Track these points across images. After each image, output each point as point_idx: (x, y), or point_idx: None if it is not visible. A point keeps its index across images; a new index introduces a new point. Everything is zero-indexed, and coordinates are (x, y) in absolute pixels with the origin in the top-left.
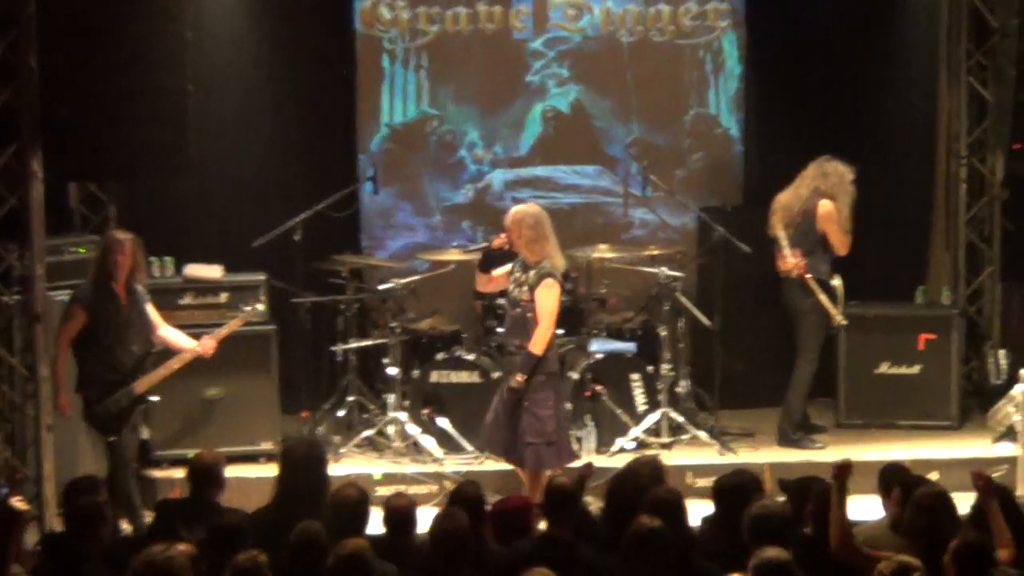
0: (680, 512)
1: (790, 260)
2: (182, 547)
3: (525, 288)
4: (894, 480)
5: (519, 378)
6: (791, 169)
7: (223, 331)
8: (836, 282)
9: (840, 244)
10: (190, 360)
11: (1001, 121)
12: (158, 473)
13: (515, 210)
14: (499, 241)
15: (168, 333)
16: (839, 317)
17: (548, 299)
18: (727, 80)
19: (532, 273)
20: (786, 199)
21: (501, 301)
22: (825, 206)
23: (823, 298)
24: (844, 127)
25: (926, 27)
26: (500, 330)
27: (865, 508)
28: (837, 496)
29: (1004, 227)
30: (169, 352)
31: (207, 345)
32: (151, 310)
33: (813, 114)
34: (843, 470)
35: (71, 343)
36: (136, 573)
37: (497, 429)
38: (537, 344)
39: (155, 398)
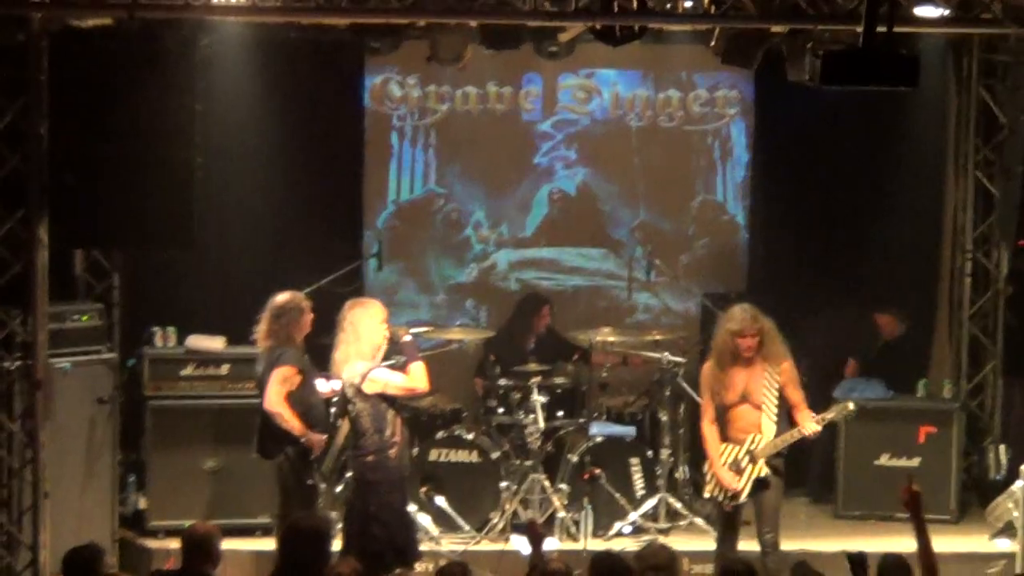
0: None
1: None
2: None
3: None
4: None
5: None
6: (795, 257)
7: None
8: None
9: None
10: None
11: (1007, 216)
12: (153, 543)
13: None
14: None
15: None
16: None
17: None
18: (734, 167)
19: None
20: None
21: (503, 382)
22: None
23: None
24: (849, 217)
25: (935, 120)
26: (501, 410)
27: None
28: (916, 525)
29: (1007, 322)
30: None
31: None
32: None
33: (819, 204)
34: (914, 498)
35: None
36: None
37: None
38: None
39: None
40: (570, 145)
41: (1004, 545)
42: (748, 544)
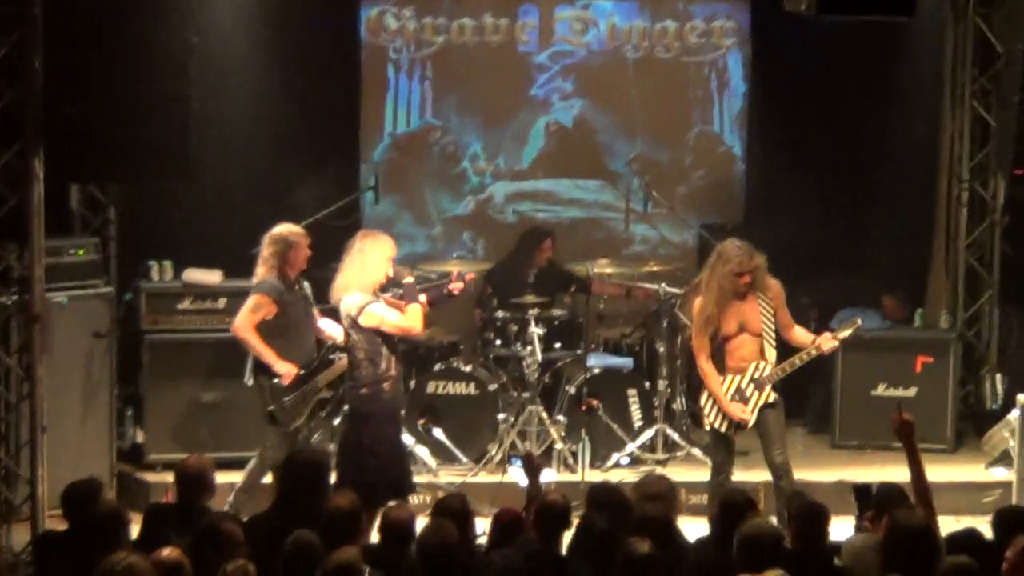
0: (671, 531)
1: None
2: (168, 551)
3: None
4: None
5: None
6: (792, 188)
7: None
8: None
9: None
10: None
11: (1004, 146)
12: (151, 477)
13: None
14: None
15: (323, 325)
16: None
17: None
18: (731, 98)
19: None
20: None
21: (501, 314)
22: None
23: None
24: (846, 148)
25: (931, 50)
26: (498, 342)
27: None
28: (908, 453)
29: (1004, 252)
30: None
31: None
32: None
33: (816, 134)
34: (905, 426)
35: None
36: None
37: None
38: None
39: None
40: (567, 77)
41: (1000, 474)
42: (742, 475)
